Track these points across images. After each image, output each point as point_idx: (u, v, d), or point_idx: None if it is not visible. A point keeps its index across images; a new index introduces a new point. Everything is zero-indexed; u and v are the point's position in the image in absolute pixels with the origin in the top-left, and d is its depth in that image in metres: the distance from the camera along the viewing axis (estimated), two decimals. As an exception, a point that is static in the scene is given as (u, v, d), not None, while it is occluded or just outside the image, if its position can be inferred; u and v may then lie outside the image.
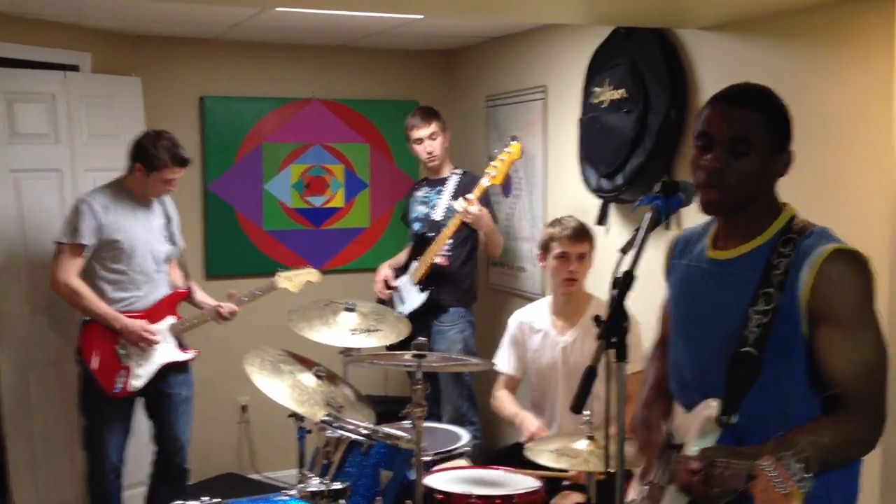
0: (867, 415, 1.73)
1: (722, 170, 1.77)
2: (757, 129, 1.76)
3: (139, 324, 3.60)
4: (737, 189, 1.77)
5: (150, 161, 3.54)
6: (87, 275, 3.61)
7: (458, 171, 4.34)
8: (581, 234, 3.31)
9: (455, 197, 4.17)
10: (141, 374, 3.64)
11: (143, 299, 3.68)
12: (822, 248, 1.72)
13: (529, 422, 3.32)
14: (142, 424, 3.86)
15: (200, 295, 3.92)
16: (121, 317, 3.57)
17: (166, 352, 3.71)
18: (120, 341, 3.59)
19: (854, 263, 1.73)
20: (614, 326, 1.59)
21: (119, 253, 3.59)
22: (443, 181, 4.33)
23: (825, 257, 1.71)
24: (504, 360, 3.51)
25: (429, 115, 4.28)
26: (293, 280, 3.90)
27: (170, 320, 3.75)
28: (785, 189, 1.88)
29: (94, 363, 3.57)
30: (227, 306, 3.80)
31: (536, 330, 3.41)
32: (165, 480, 3.82)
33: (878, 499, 2.53)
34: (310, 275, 3.95)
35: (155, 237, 3.71)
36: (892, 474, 2.49)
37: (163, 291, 3.75)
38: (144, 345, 3.61)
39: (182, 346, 3.80)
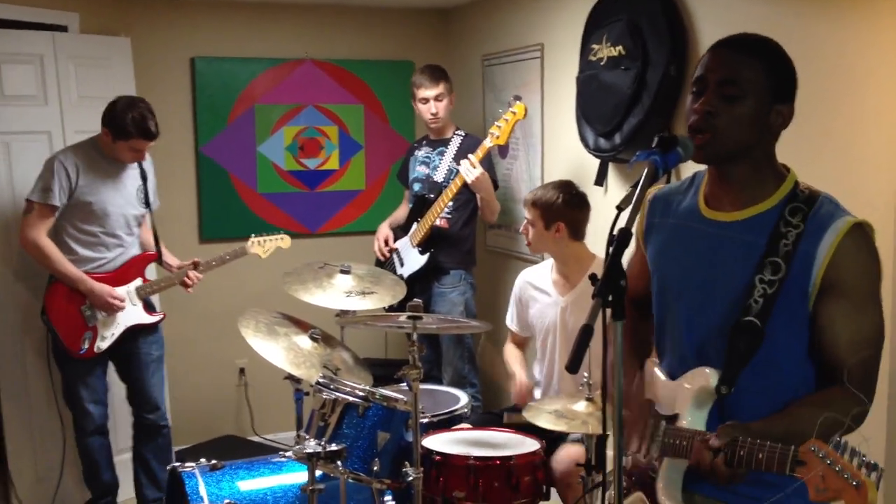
0: (861, 391, 1.71)
1: (711, 112, 1.72)
2: (752, 74, 1.71)
3: (106, 289, 3.59)
4: (726, 134, 1.72)
5: (116, 129, 3.52)
6: (58, 233, 3.60)
7: (460, 132, 4.28)
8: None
9: (457, 159, 4.12)
10: (107, 336, 3.64)
11: (114, 261, 3.67)
12: (842, 222, 1.69)
13: (516, 386, 3.33)
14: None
15: (169, 257, 3.91)
16: (87, 279, 3.57)
17: (133, 314, 3.70)
18: (86, 302, 3.59)
19: (868, 239, 1.71)
20: (611, 284, 1.55)
21: (91, 215, 3.59)
22: (445, 142, 4.28)
23: (846, 231, 1.68)
24: (510, 317, 3.53)
25: (437, 75, 4.20)
26: (264, 245, 3.95)
27: (137, 282, 3.73)
28: (791, 146, 1.83)
29: (60, 323, 3.57)
30: (193, 274, 3.79)
31: (539, 290, 3.39)
32: (147, 440, 3.84)
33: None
34: (281, 241, 3.99)
35: (128, 200, 3.69)
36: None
37: (133, 253, 3.75)
38: (110, 310, 3.61)
39: (149, 309, 3.79)
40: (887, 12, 2.46)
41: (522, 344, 3.54)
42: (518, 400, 3.30)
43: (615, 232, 1.58)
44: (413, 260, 4.19)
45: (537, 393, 3.38)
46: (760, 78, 1.72)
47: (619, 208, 1.61)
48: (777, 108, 1.74)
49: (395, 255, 4.32)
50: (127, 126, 3.50)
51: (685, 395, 1.80)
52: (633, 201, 1.61)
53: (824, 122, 2.63)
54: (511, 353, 3.50)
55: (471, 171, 3.88)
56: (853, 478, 1.40)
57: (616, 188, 3.68)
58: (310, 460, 2.57)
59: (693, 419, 1.77)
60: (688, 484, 1.78)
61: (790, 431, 1.59)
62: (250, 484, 2.86)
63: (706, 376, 1.77)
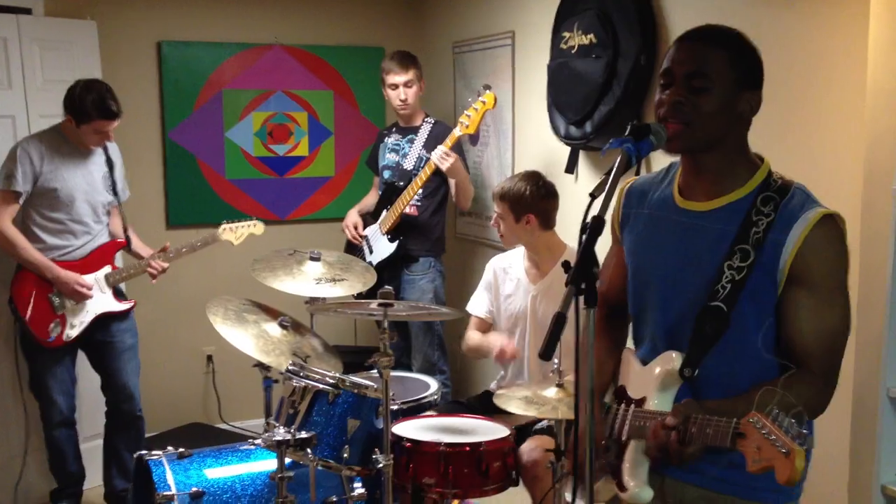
0: (825, 379, 1.74)
1: (681, 103, 1.74)
2: (718, 64, 1.73)
3: (72, 276, 3.55)
4: (697, 125, 1.73)
5: (77, 113, 3.49)
6: (25, 222, 3.55)
7: (430, 119, 4.27)
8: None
9: (427, 146, 4.11)
10: (76, 324, 3.59)
11: (81, 248, 3.63)
12: (812, 213, 1.70)
13: (495, 337, 3.30)
14: (95, 375, 3.81)
15: (138, 245, 3.84)
16: (54, 267, 3.52)
17: (102, 302, 3.65)
18: (54, 290, 3.54)
19: (839, 231, 1.72)
20: (584, 272, 1.55)
21: (56, 202, 3.54)
22: (415, 129, 4.26)
23: (816, 221, 1.69)
24: (476, 304, 3.50)
25: (406, 61, 4.18)
26: (235, 232, 3.87)
27: (106, 270, 3.68)
28: (756, 136, 1.84)
29: (27, 312, 3.52)
30: (157, 263, 3.72)
31: (511, 276, 3.40)
32: (121, 430, 3.79)
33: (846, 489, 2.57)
34: (253, 227, 3.91)
35: (95, 187, 3.65)
36: (860, 458, 2.52)
37: (102, 241, 3.70)
38: (78, 297, 3.56)
39: (119, 297, 3.74)
40: (852, 3, 2.49)
41: (486, 332, 3.52)
42: (501, 359, 3.26)
43: (588, 220, 1.58)
44: (382, 247, 4.18)
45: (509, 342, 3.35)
46: (726, 69, 1.73)
47: (593, 196, 1.61)
48: (745, 97, 1.76)
49: (364, 243, 4.31)
50: (87, 108, 3.47)
51: (652, 379, 1.83)
52: (607, 188, 1.61)
53: (789, 112, 2.65)
54: (475, 334, 3.48)
55: (444, 159, 3.88)
56: (783, 446, 1.43)
57: (587, 176, 3.70)
58: (279, 448, 2.56)
59: (659, 402, 1.79)
60: (659, 467, 1.80)
61: (747, 413, 1.61)
62: (218, 472, 2.84)
63: (672, 360, 1.79)
